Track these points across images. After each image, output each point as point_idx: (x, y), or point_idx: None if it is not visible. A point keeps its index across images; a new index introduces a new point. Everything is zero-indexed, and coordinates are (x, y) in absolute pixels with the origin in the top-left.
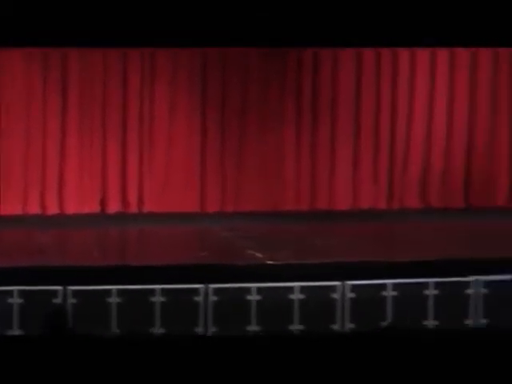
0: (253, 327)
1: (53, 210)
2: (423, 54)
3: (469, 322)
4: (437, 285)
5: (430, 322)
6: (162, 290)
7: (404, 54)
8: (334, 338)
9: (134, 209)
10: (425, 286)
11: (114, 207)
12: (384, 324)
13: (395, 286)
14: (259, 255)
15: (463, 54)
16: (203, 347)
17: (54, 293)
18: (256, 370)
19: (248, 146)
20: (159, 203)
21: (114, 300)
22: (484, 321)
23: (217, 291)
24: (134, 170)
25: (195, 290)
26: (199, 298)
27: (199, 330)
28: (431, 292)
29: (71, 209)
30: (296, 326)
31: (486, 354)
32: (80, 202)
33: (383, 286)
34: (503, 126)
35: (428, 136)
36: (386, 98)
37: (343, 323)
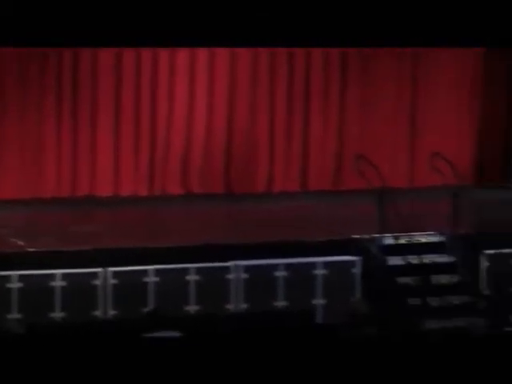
0: (14, 315)
1: None
2: (183, 52)
3: (230, 306)
4: (198, 270)
5: (192, 308)
6: None
7: (164, 51)
8: (96, 324)
9: None
10: (186, 271)
11: None
12: (146, 310)
13: (157, 272)
14: (20, 243)
15: (223, 52)
16: None
17: None
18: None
19: (7, 137)
20: None
21: None
22: (244, 305)
23: None
24: None
25: None
26: None
27: None
28: (192, 277)
29: None
30: (58, 314)
31: (246, 338)
32: None
33: (145, 273)
34: (263, 115)
35: (189, 124)
36: (146, 91)
37: (106, 310)
